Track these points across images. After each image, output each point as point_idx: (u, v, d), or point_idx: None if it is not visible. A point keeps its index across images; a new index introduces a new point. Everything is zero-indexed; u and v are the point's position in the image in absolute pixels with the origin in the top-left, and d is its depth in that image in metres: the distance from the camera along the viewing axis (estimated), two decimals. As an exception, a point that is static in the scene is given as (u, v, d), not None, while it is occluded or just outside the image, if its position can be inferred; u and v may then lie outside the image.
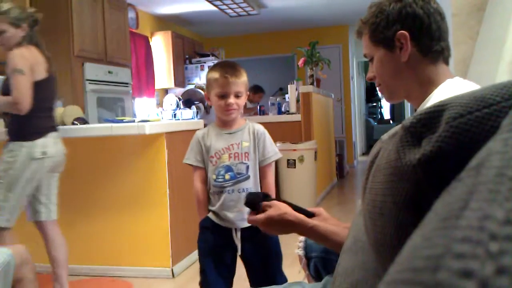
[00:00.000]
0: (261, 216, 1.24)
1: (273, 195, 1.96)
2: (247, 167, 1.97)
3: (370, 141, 12.39)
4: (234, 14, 7.38)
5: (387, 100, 1.39)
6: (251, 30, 8.80)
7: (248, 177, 1.97)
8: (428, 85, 1.22)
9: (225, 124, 2.03)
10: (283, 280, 1.99)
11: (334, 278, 0.72)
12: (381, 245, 0.50)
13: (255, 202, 1.31)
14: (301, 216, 1.21)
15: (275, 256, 2.02)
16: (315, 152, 5.48)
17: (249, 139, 1.99)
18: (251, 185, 1.98)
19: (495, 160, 0.28)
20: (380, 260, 0.53)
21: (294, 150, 5.33)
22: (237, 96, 1.96)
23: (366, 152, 11.65)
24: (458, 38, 2.71)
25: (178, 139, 3.39)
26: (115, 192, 3.29)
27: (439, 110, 0.46)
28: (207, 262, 1.98)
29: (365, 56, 1.35)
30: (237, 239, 1.97)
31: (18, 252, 1.71)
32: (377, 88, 1.37)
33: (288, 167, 5.36)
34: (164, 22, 7.64)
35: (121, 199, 3.28)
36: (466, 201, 0.26)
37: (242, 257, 2.02)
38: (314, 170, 5.49)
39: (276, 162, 5.43)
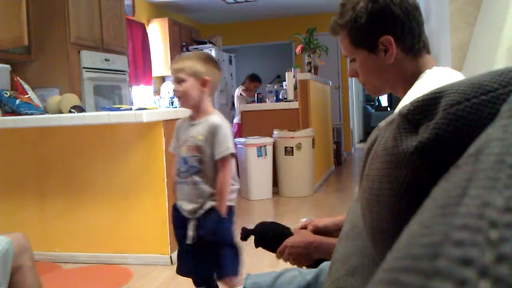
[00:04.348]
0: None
1: (223, 191, 2.01)
2: (199, 160, 2.01)
3: (368, 128, 12.40)
4: (232, 0, 7.32)
5: (373, 95, 1.40)
6: (248, 17, 8.75)
7: (199, 171, 2.02)
8: (412, 78, 1.22)
9: (192, 114, 2.10)
10: (228, 267, 2.06)
11: (331, 264, 0.72)
12: (377, 232, 0.50)
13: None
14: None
15: (221, 244, 2.06)
16: (313, 140, 5.48)
17: (204, 132, 2.01)
18: (203, 178, 2.02)
19: (494, 146, 0.28)
20: (376, 247, 0.53)
21: (292, 137, 5.33)
22: (178, 82, 2.01)
23: (363, 140, 11.66)
24: (455, 24, 2.69)
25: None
26: (113, 180, 3.29)
27: (436, 97, 0.46)
28: (177, 240, 2.17)
29: (345, 57, 1.33)
30: (191, 229, 2.04)
31: (17, 240, 1.71)
32: (362, 85, 1.36)
33: (285, 154, 5.36)
34: (160, 9, 7.58)
35: (119, 187, 3.28)
36: (465, 188, 0.26)
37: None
38: (312, 158, 5.50)
39: (274, 149, 5.44)
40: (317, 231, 1.37)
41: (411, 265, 0.24)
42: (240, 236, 1.51)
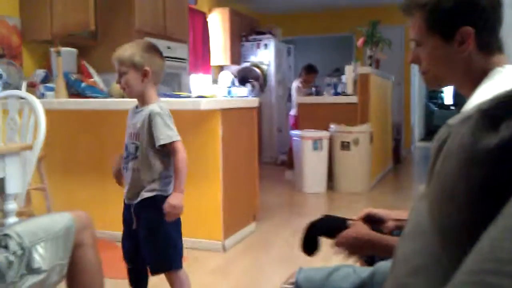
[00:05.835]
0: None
1: (177, 172, 1.99)
2: (136, 148, 2.04)
3: (430, 126, 11.98)
4: (294, -9, 7.27)
5: (431, 87, 1.34)
6: (309, 8, 8.65)
7: (135, 157, 2.04)
8: (481, 76, 1.16)
9: (138, 103, 2.12)
10: (165, 260, 2.03)
11: (392, 263, 0.70)
12: (448, 231, 0.48)
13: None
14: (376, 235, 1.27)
15: (158, 236, 2.02)
16: (371, 135, 5.38)
17: (142, 119, 2.03)
18: (139, 165, 2.03)
19: None
20: (445, 246, 0.51)
21: (349, 132, 5.25)
22: (120, 74, 2.02)
23: (424, 138, 11.29)
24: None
25: (233, 116, 3.41)
26: (170, 165, 3.37)
27: (520, 93, 0.43)
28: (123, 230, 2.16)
29: (412, 40, 1.27)
30: (132, 214, 2.06)
31: (79, 217, 1.77)
32: (421, 74, 1.30)
33: (342, 149, 5.29)
34: (222, -1, 7.64)
35: (176, 173, 3.35)
36: None
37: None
38: (369, 154, 5.39)
39: (330, 143, 5.37)
40: (369, 217, 1.36)
41: (498, 268, 0.22)
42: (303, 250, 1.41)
